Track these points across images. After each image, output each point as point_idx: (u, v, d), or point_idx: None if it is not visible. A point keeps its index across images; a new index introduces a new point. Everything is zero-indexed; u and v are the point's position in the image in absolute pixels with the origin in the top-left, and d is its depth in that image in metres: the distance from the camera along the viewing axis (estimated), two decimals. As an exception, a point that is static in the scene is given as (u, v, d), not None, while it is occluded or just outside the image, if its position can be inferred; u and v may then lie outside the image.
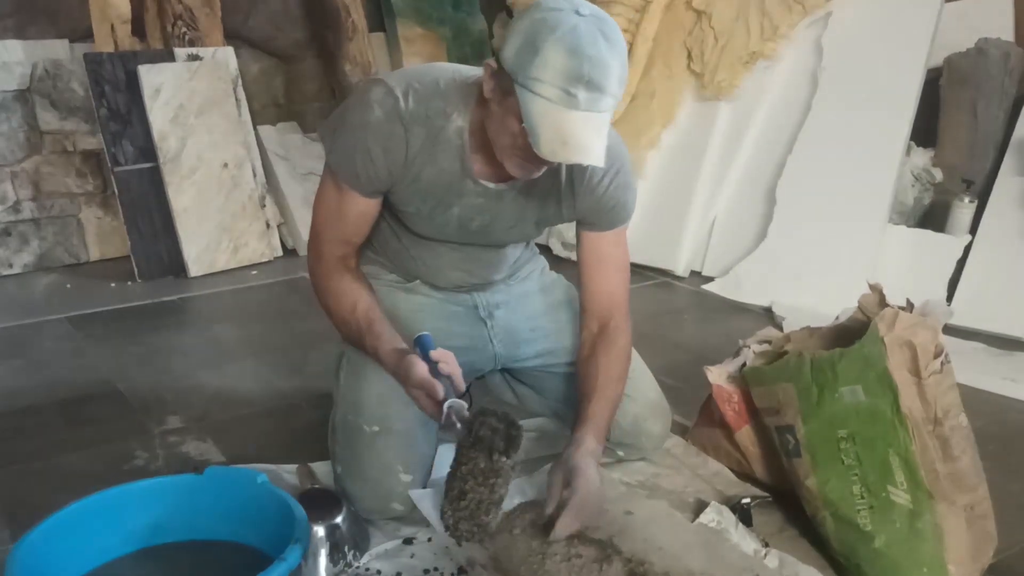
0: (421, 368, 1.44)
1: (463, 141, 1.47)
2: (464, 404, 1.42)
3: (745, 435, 1.75)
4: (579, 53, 1.24)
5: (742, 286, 3.14)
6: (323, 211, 1.59)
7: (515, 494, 1.58)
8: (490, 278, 1.76)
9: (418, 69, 1.54)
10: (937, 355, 1.39)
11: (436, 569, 1.45)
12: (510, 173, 1.44)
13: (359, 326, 1.57)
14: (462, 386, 1.47)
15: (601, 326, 1.65)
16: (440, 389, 1.42)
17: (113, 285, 3.19)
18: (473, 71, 1.51)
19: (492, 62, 1.35)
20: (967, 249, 2.93)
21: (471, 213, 1.56)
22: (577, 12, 1.27)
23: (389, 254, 1.72)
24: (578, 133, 1.27)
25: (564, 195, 1.57)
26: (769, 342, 1.75)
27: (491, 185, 1.52)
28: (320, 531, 1.44)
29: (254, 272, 3.37)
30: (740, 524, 1.57)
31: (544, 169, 1.42)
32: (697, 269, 3.40)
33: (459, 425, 1.39)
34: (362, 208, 1.56)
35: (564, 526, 1.39)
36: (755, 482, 1.76)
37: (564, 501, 1.41)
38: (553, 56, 1.24)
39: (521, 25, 1.29)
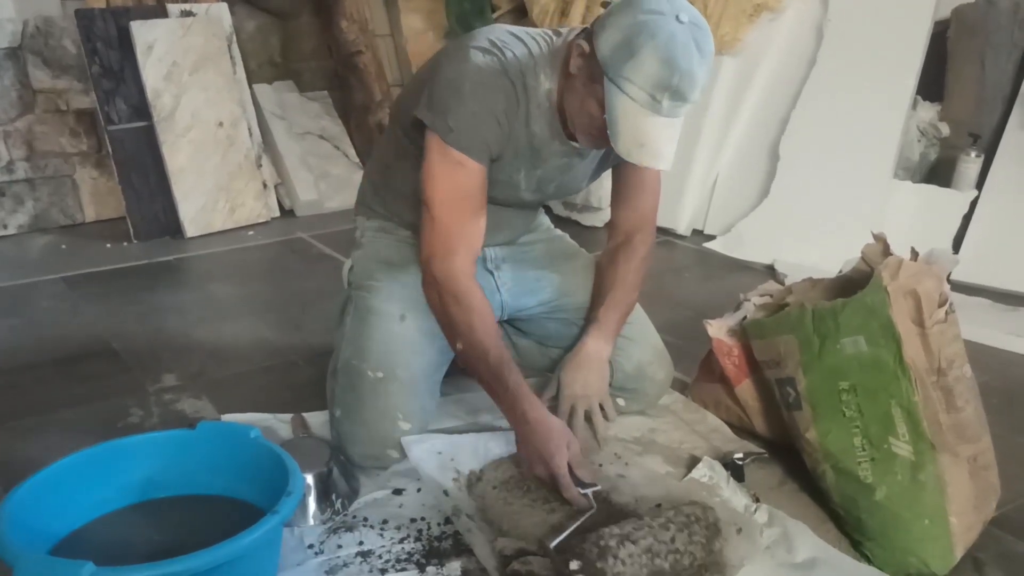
0: (572, 436, 1.47)
1: (551, 103, 1.50)
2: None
3: (745, 389, 1.73)
4: (672, 64, 1.30)
5: (744, 244, 3.11)
6: (443, 199, 1.48)
7: (501, 444, 1.60)
8: (513, 239, 1.79)
9: (489, 29, 1.53)
10: (942, 304, 1.36)
11: (423, 518, 1.45)
12: (580, 144, 1.52)
13: (500, 355, 1.48)
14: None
15: (626, 238, 1.74)
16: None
17: (109, 246, 3.16)
18: (539, 33, 1.54)
19: (585, 45, 1.39)
20: (973, 204, 2.89)
21: (553, 174, 1.60)
22: (677, 18, 1.32)
23: (412, 208, 1.64)
24: (655, 138, 1.35)
25: None
26: (770, 295, 1.72)
27: (575, 144, 1.55)
28: (309, 479, 1.44)
29: (251, 232, 3.33)
30: (731, 479, 1.55)
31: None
32: (699, 227, 3.37)
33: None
34: (483, 177, 1.51)
35: (567, 384, 1.63)
36: (755, 436, 1.75)
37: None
38: (648, 63, 1.30)
39: (622, 22, 1.34)
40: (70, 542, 1.31)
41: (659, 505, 1.44)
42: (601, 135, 1.40)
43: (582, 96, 1.43)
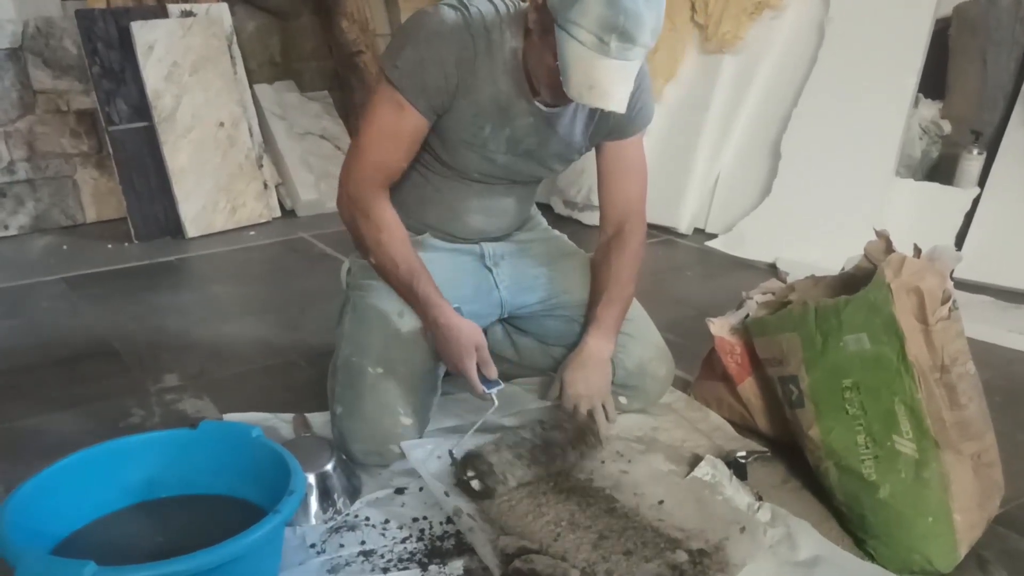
0: (482, 339, 1.57)
1: (517, 62, 1.52)
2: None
3: (748, 387, 1.73)
4: (616, 5, 1.31)
5: (746, 242, 3.10)
6: (374, 132, 1.56)
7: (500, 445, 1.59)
8: (506, 228, 1.79)
9: None
10: (945, 301, 1.35)
11: (425, 518, 1.45)
12: (547, 99, 1.54)
13: (410, 265, 1.58)
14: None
15: (616, 230, 1.75)
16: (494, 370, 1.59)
17: (110, 246, 3.16)
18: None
19: None
20: (975, 202, 2.88)
21: (522, 135, 1.60)
22: None
23: (408, 202, 1.70)
24: (604, 80, 1.36)
25: (601, 113, 1.60)
26: (773, 293, 1.72)
27: (543, 107, 1.56)
28: (310, 478, 1.44)
29: (252, 233, 3.33)
30: (734, 478, 1.55)
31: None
32: (700, 226, 3.36)
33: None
34: (419, 128, 1.55)
35: (569, 384, 1.65)
36: (758, 435, 1.74)
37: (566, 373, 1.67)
38: (592, 4, 1.32)
39: None
40: (72, 542, 1.31)
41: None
42: (561, 86, 1.42)
43: (540, 49, 1.45)
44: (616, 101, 1.39)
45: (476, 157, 1.62)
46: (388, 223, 1.59)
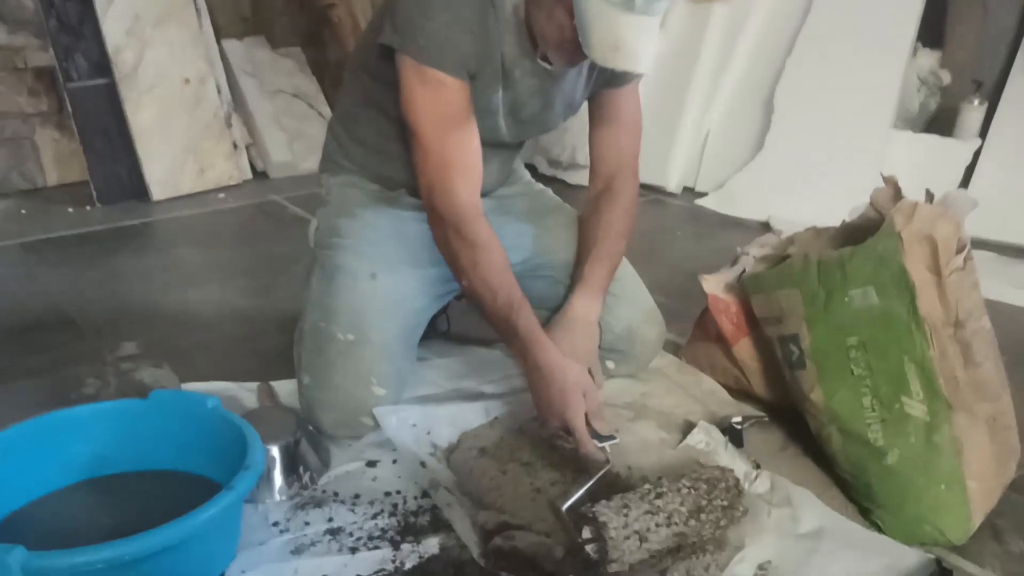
0: (590, 383, 1.37)
1: (519, 19, 1.40)
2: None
3: (743, 348, 1.63)
4: None
5: (738, 200, 3.01)
6: (428, 125, 1.37)
7: (479, 414, 1.52)
8: (490, 186, 1.67)
9: None
10: (960, 250, 1.25)
11: (398, 492, 1.36)
12: (553, 62, 1.41)
13: (509, 295, 1.38)
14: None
15: (607, 184, 1.63)
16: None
17: (71, 210, 3.03)
18: None
19: None
20: (976, 154, 2.79)
21: (525, 98, 1.49)
22: None
23: (381, 159, 1.58)
24: (630, 38, 1.24)
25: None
26: (771, 247, 1.61)
27: (548, 66, 1.44)
28: (274, 451, 1.34)
29: (221, 195, 3.21)
30: (730, 445, 1.46)
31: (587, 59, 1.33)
32: (690, 185, 3.26)
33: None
34: (467, 96, 1.39)
35: (557, 342, 1.42)
36: (754, 399, 1.65)
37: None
38: None
39: None
40: (10, 523, 1.23)
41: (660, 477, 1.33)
42: (574, 47, 1.29)
43: (549, 8, 1.32)
44: (644, 62, 1.26)
45: (484, 124, 1.48)
46: (484, 242, 1.39)
